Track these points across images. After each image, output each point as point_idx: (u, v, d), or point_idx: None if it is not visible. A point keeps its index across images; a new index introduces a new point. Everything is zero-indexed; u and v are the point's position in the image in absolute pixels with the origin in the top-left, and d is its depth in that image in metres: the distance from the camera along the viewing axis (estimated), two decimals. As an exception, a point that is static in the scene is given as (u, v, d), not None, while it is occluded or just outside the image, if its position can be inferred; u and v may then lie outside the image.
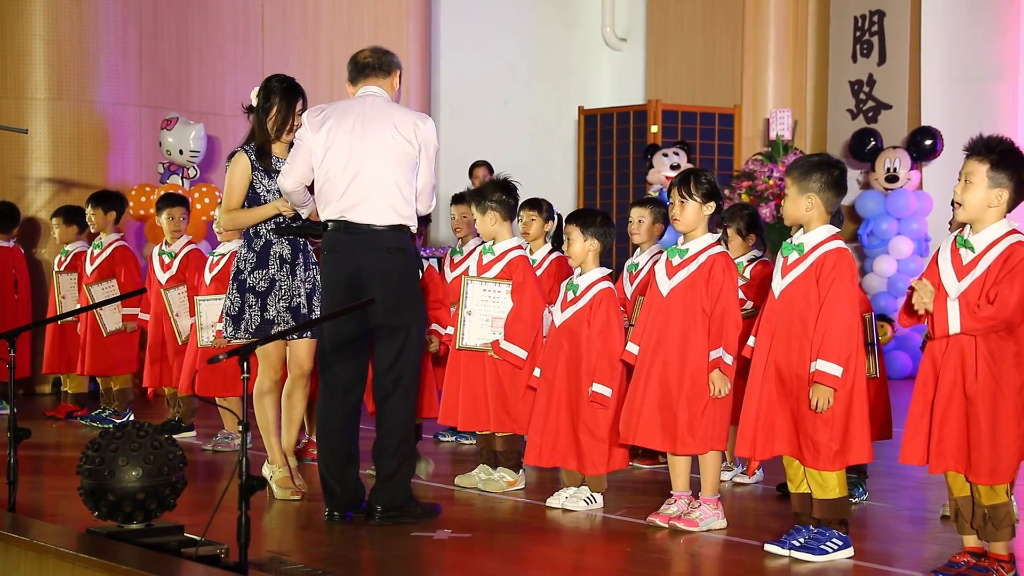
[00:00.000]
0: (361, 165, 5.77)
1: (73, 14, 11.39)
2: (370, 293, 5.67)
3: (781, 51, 13.98)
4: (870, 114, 13.54)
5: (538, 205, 7.41)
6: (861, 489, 6.44)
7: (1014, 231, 4.68)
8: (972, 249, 4.71)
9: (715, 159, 13.84)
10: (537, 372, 6.26)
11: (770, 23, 13.93)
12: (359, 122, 5.79)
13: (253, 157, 6.32)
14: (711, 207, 5.72)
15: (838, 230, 5.31)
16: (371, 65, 5.95)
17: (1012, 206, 4.74)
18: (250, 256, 6.30)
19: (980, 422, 4.61)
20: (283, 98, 6.36)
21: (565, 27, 15.62)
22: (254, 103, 6.40)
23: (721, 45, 14.22)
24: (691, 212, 5.73)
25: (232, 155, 6.39)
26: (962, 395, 4.65)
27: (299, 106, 6.37)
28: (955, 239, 4.81)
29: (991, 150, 4.67)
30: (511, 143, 14.60)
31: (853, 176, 13.54)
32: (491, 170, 12.24)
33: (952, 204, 4.91)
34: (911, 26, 13.16)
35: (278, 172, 6.22)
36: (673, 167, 12.65)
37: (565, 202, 13.92)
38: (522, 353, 6.47)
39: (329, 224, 5.83)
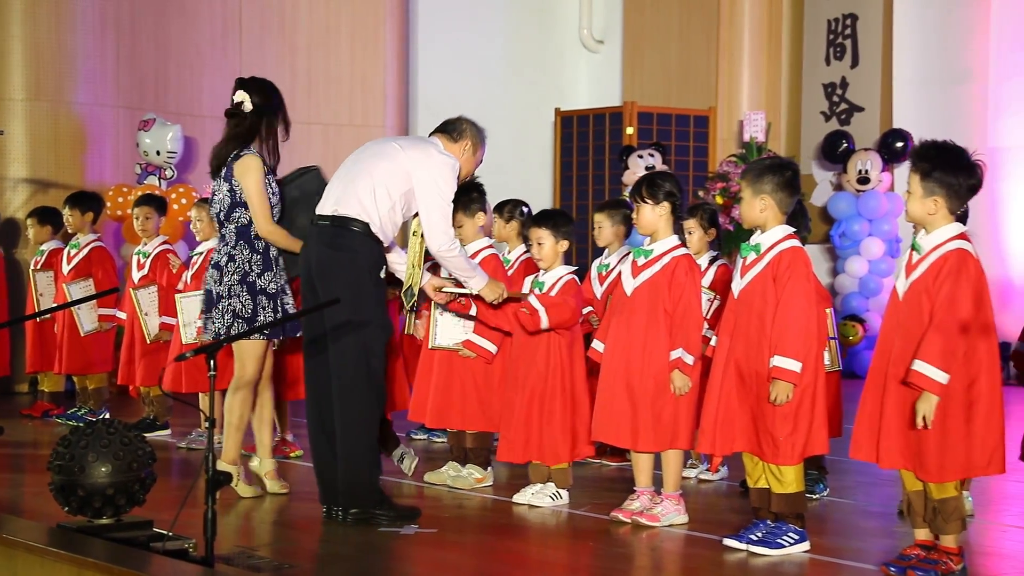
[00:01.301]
0: (355, 166, 5.92)
1: (51, 16, 11.46)
2: (322, 289, 5.74)
3: (755, 54, 14.11)
4: (843, 116, 13.69)
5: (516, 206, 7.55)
6: (822, 485, 6.56)
7: (960, 236, 4.81)
8: (919, 250, 4.85)
9: (690, 160, 13.97)
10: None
11: (745, 26, 14.07)
12: (389, 142, 6.02)
13: (263, 161, 6.27)
14: (665, 208, 5.83)
15: (793, 230, 5.43)
16: (443, 125, 6.15)
17: (957, 207, 4.87)
18: (256, 258, 6.25)
19: (912, 418, 4.74)
20: (281, 99, 6.40)
21: (542, 29, 15.73)
22: (248, 104, 6.27)
23: (696, 48, 14.35)
24: (645, 215, 5.85)
25: (238, 156, 6.22)
26: (911, 393, 4.77)
27: None
28: (912, 242, 4.96)
29: (921, 160, 4.83)
30: (489, 144, 14.63)
31: (826, 178, 13.69)
32: None
33: None
34: (883, 30, 13.31)
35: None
36: (648, 168, 12.76)
37: (542, 203, 14.00)
38: (492, 347, 6.58)
39: None
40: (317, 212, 5.90)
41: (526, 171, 14.82)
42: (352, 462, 5.75)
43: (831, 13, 13.74)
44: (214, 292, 6.26)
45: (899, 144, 12.83)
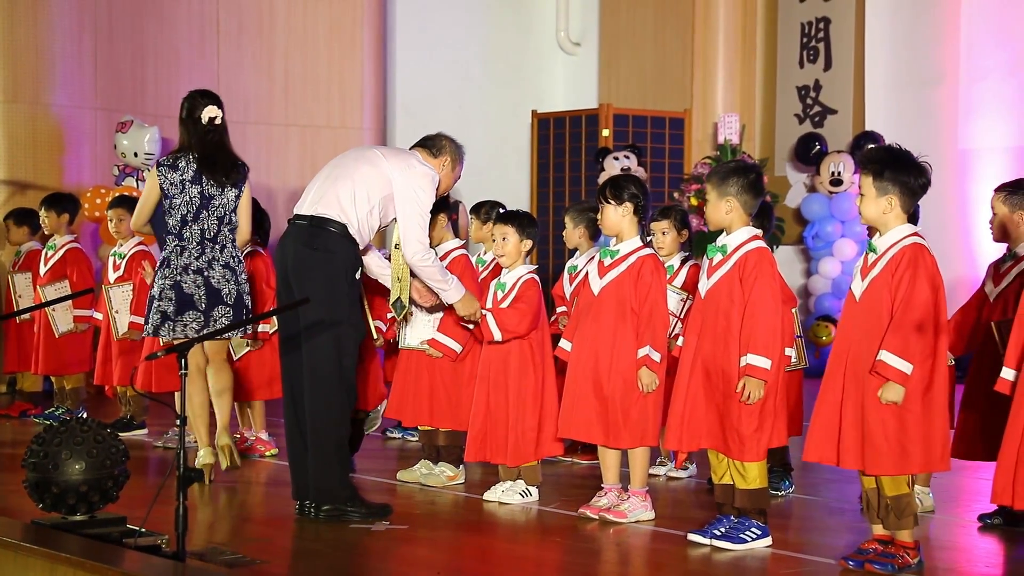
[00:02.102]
0: (336, 170, 6.02)
1: (28, 18, 11.52)
2: (297, 288, 5.83)
3: (730, 57, 14.24)
4: (816, 119, 13.82)
5: (493, 207, 7.66)
6: (787, 482, 6.67)
7: (914, 234, 4.93)
8: (875, 251, 4.97)
9: (665, 162, 14.08)
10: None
11: (719, 29, 14.19)
12: (371, 149, 6.20)
13: None
14: (628, 209, 5.94)
15: (759, 231, 5.54)
16: (423, 140, 6.33)
17: (910, 206, 5.00)
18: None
19: (881, 418, 4.85)
20: None
21: (520, 31, 15.82)
22: (218, 119, 6.73)
23: (672, 51, 14.46)
24: (609, 215, 5.97)
25: (246, 168, 6.83)
26: (863, 392, 4.88)
27: None
28: (868, 243, 5.08)
29: (871, 162, 4.95)
30: (466, 146, 14.73)
31: (799, 180, 13.82)
32: None
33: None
34: (856, 33, 13.45)
35: None
36: (623, 170, 12.87)
37: (519, 204, 14.07)
38: (456, 347, 6.68)
39: None
40: (295, 212, 6.00)
41: (503, 172, 14.91)
42: (323, 459, 5.83)
43: (804, 16, 13.88)
44: (232, 291, 6.67)
45: (871, 146, 12.94)
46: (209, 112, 6.69)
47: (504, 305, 6.34)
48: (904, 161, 4.96)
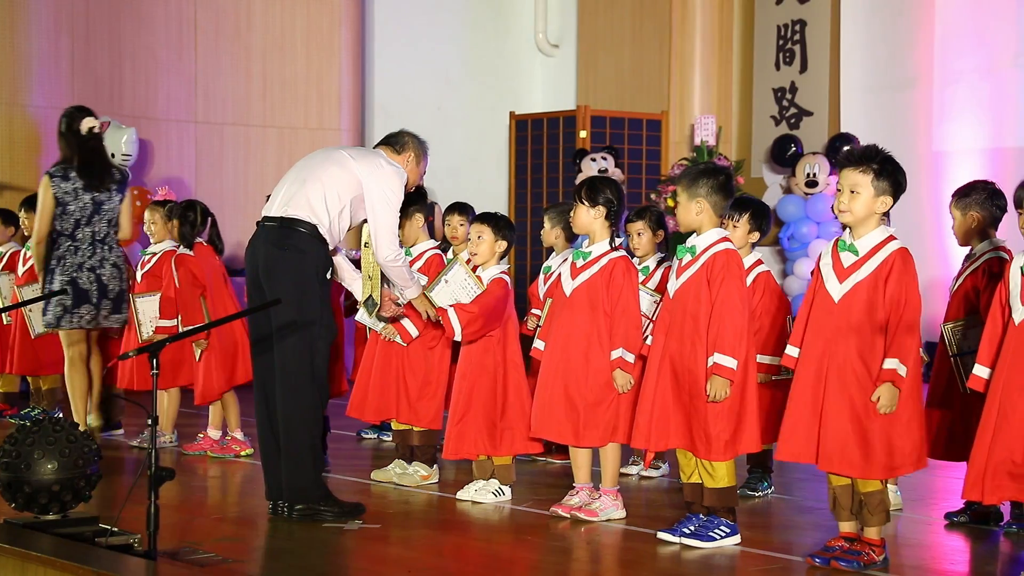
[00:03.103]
0: (304, 171, 6.04)
1: (5, 19, 11.52)
2: (268, 288, 5.87)
3: (707, 59, 14.30)
4: (792, 120, 13.89)
5: (465, 210, 7.69)
6: (766, 483, 6.73)
7: (892, 237, 4.99)
8: (855, 252, 4.99)
9: (643, 164, 14.14)
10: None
11: (696, 32, 14.25)
12: (337, 150, 6.23)
13: None
14: (601, 212, 5.99)
15: (727, 233, 5.60)
16: (386, 138, 6.40)
17: (890, 208, 5.07)
18: None
19: (857, 419, 4.91)
20: None
21: (498, 33, 15.86)
22: (96, 128, 7.75)
23: (649, 53, 14.53)
24: (580, 216, 6.03)
25: (126, 174, 7.99)
26: (847, 393, 4.94)
27: None
28: (836, 243, 5.11)
29: (872, 160, 4.97)
30: (445, 147, 14.77)
31: (776, 181, 13.89)
32: None
33: (834, 210, 5.20)
34: (831, 36, 13.52)
35: None
36: (601, 171, 12.92)
37: (498, 205, 14.14)
38: (414, 330, 6.83)
39: None
40: (264, 213, 6.02)
41: (481, 173, 14.96)
42: (295, 458, 5.87)
43: (781, 19, 13.94)
44: (115, 288, 7.73)
45: (846, 148, 13.03)
46: (88, 123, 7.71)
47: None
48: (899, 165, 5.02)
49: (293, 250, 5.89)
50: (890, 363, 4.85)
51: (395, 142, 6.34)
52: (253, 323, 6.07)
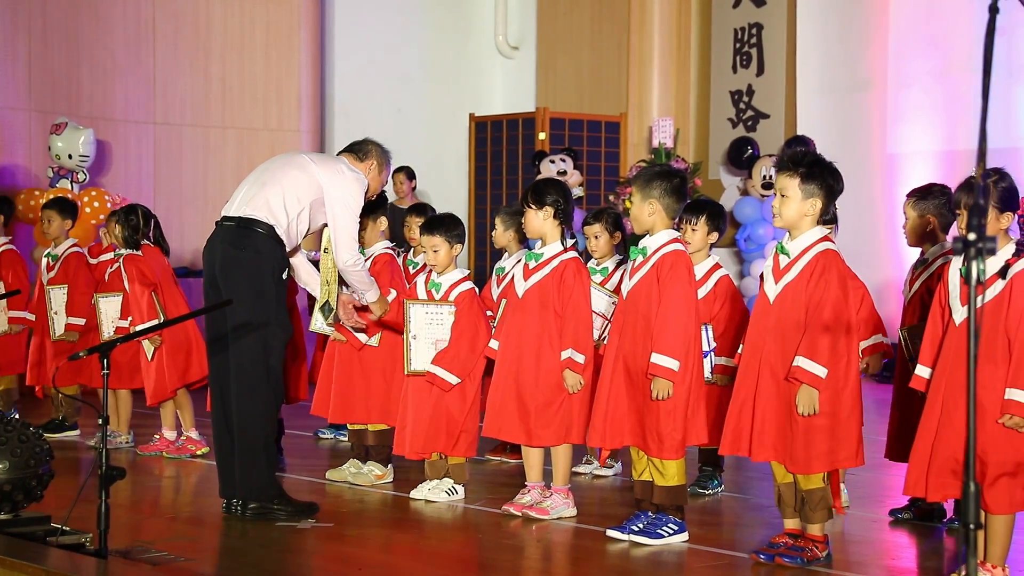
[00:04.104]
0: (264, 174, 6.09)
1: (-39, 20, 11.49)
2: (224, 287, 5.90)
3: (665, 61, 14.42)
4: (749, 123, 14.02)
5: (424, 211, 7.74)
6: (716, 482, 6.80)
7: (825, 238, 5.08)
8: (788, 255, 5.10)
9: (601, 166, 14.23)
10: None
11: (655, 34, 14.37)
12: (299, 155, 6.26)
13: None
14: (548, 213, 6.06)
15: (678, 235, 5.68)
16: (351, 146, 6.42)
17: (826, 211, 5.14)
18: None
19: (788, 415, 5.00)
20: None
21: (458, 35, 15.92)
22: None
23: (608, 56, 14.63)
24: (529, 219, 6.11)
25: None
26: (784, 390, 5.03)
27: None
28: (776, 247, 5.21)
29: (798, 164, 5.06)
30: (405, 148, 14.81)
31: (733, 183, 14.01)
32: (411, 175, 12.47)
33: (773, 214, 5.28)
34: (787, 39, 13.67)
35: None
36: (560, 173, 13.02)
37: (457, 206, 14.21)
38: (364, 337, 6.86)
39: None
40: (223, 213, 6.06)
41: (441, 174, 15.01)
42: (249, 457, 5.90)
43: (737, 23, 14.08)
44: None
45: (801, 150, 13.14)
46: None
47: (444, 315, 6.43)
48: (829, 165, 5.11)
49: (250, 250, 5.92)
50: (798, 361, 4.92)
51: (358, 149, 6.39)
52: (209, 322, 6.09)
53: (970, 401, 2.87)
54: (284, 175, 6.06)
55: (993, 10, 2.99)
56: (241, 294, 5.79)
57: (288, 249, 6.07)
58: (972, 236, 2.81)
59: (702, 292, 6.36)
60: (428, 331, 6.43)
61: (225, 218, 6.03)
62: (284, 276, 6.04)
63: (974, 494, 2.89)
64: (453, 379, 6.33)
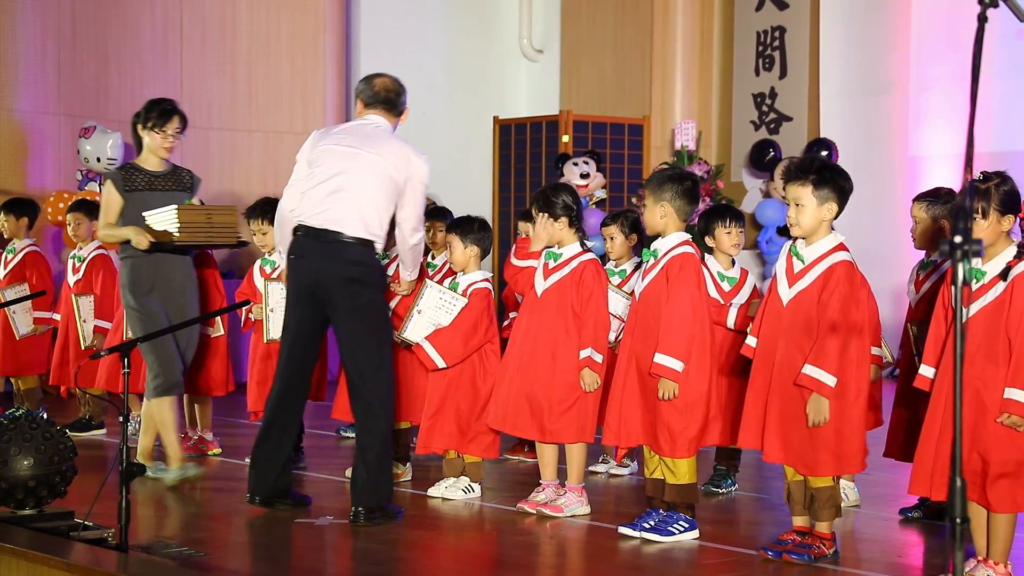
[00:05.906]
0: (344, 182, 6.03)
1: (-9, 24, 11.67)
2: (332, 300, 5.97)
3: (688, 64, 14.47)
4: (772, 126, 14.06)
5: (443, 215, 7.86)
6: (730, 480, 6.87)
7: (840, 246, 5.13)
8: (802, 260, 5.16)
9: (624, 168, 14.30)
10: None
11: (678, 38, 14.42)
12: (355, 143, 6.11)
13: None
14: (564, 223, 6.17)
15: (689, 236, 5.76)
16: (383, 100, 6.32)
17: (840, 212, 5.21)
18: None
19: (798, 419, 5.07)
20: None
21: (483, 39, 16.00)
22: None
23: (631, 59, 14.69)
24: (538, 225, 6.20)
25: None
26: (794, 395, 5.10)
27: None
28: (790, 248, 5.28)
29: (807, 172, 5.12)
30: (429, 151, 14.80)
31: (755, 185, 14.05)
32: None
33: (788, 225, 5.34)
34: (810, 42, 13.69)
35: None
36: (583, 176, 13.12)
37: (483, 208, 14.29)
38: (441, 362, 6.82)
39: (299, 230, 6.08)
40: (323, 226, 6.00)
41: (466, 177, 15.10)
42: (388, 465, 6.15)
43: (760, 25, 14.12)
44: None
45: (823, 153, 13.18)
46: None
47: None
48: (836, 167, 5.17)
49: (361, 265, 6.03)
50: (806, 369, 5.00)
51: (395, 105, 6.36)
52: (303, 329, 6.15)
53: (956, 399, 2.95)
54: (368, 187, 6.03)
55: (982, 19, 3.07)
56: (363, 311, 5.98)
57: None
58: (958, 239, 2.89)
59: (742, 297, 6.51)
60: (434, 313, 6.54)
61: (325, 232, 6.01)
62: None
63: (960, 489, 2.96)
64: (440, 362, 6.43)
